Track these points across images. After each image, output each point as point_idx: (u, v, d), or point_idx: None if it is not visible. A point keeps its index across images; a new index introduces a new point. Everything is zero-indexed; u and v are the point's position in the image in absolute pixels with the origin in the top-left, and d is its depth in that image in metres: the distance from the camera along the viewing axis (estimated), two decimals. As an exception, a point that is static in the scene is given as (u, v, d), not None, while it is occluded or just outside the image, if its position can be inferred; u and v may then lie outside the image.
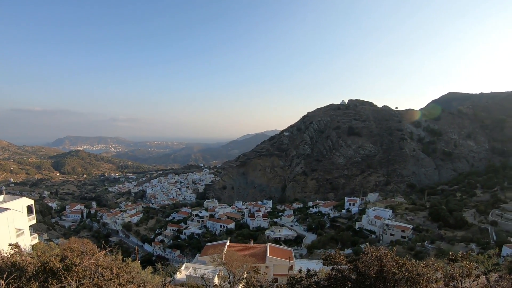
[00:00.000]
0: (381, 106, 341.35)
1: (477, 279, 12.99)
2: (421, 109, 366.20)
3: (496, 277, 11.31)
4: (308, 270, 18.67)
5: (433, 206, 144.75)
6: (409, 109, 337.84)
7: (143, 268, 33.10)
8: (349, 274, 16.04)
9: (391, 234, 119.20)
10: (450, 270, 13.72)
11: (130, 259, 27.42)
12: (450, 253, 16.13)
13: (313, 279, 17.59)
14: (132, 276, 17.92)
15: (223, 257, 35.13)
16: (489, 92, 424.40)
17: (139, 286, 15.65)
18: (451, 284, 12.12)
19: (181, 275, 39.80)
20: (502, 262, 62.04)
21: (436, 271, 14.65)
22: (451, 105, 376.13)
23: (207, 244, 60.19)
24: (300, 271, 22.02)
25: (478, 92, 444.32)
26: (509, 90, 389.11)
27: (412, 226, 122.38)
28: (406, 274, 14.27)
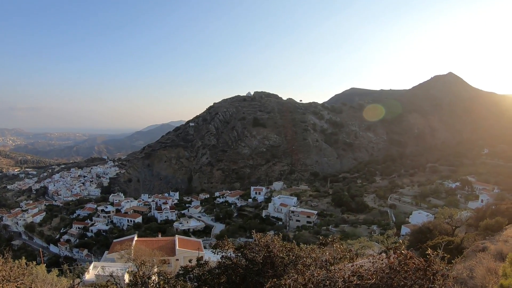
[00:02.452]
0: (286, 99, 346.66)
1: (352, 261, 12.86)
2: (324, 103, 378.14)
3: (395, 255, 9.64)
4: (198, 260, 18.42)
5: (336, 193, 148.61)
6: (313, 102, 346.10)
7: (48, 271, 28.61)
8: (239, 261, 16.24)
9: (297, 220, 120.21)
10: (324, 254, 13.81)
11: (34, 263, 23.84)
12: (321, 238, 17.70)
13: (205, 268, 17.21)
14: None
15: (132, 253, 34.02)
16: (388, 89, 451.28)
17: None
18: (325, 267, 11.62)
19: (90, 275, 35.71)
20: (401, 240, 63.67)
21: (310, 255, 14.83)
22: (353, 100, 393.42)
23: (114, 240, 55.86)
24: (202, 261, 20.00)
25: (378, 88, 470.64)
26: (407, 88, 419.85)
27: (316, 212, 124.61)
28: (294, 258, 14.79)
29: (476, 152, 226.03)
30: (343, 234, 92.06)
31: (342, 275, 9.45)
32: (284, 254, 15.41)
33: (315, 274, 10.07)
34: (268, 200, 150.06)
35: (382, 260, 10.16)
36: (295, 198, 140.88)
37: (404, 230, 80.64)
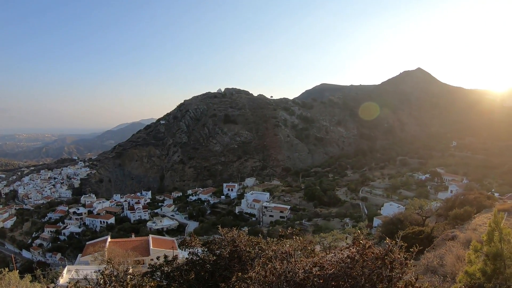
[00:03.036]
0: (256, 95, 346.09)
1: (312, 252, 13.46)
2: (295, 98, 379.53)
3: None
4: (166, 256, 17.91)
5: (308, 187, 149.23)
6: (284, 98, 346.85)
7: (22, 277, 27.55)
8: (207, 257, 16.45)
9: (271, 215, 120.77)
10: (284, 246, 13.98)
11: (7, 269, 23.16)
12: (280, 230, 18.21)
13: (174, 265, 17.04)
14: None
15: (105, 255, 33.36)
16: (358, 84, 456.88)
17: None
18: (286, 259, 11.68)
19: (64, 279, 34.63)
20: (374, 232, 64.06)
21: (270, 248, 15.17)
22: (323, 95, 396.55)
23: (87, 243, 54.78)
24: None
25: (348, 84, 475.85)
26: (376, 84, 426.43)
27: (289, 207, 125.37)
28: (260, 252, 14.93)
29: (445, 145, 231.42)
30: (316, 227, 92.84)
31: (303, 266, 9.55)
32: (250, 248, 15.47)
33: (277, 266, 10.08)
34: (240, 196, 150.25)
35: (343, 250, 10.33)
36: (268, 194, 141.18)
37: (376, 222, 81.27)
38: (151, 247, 48.24)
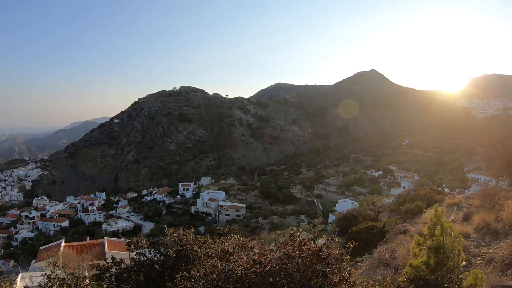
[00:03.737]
0: (212, 94, 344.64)
1: (252, 249, 13.63)
2: (250, 97, 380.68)
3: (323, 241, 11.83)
4: (113, 258, 17.71)
5: (263, 185, 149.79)
6: (239, 97, 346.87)
7: None
8: (155, 257, 16.40)
9: (227, 214, 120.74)
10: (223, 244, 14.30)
11: None
12: (218, 228, 18.85)
13: (122, 266, 16.90)
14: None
15: (60, 260, 30.36)
16: (313, 84, 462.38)
17: None
18: (226, 257, 11.97)
19: (18, 287, 33.31)
20: (329, 228, 65.00)
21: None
22: (278, 94, 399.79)
23: (41, 248, 52.85)
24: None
25: (303, 84, 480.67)
26: (331, 84, 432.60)
27: (245, 205, 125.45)
28: (207, 250, 15.10)
29: (397, 143, 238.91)
30: (272, 225, 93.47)
31: (242, 264, 9.70)
32: (197, 247, 15.52)
33: (217, 265, 10.25)
34: (196, 195, 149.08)
35: (280, 248, 10.55)
36: (223, 193, 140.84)
37: (331, 218, 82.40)
38: (106, 250, 47.30)
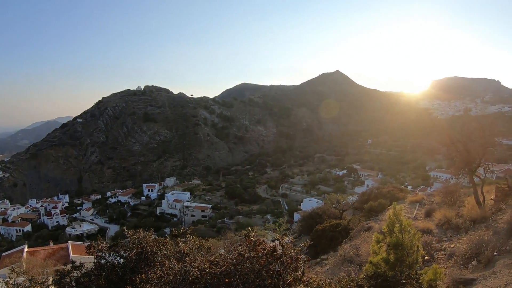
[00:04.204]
0: (177, 93, 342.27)
1: (209, 251, 13.89)
2: (215, 97, 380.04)
3: (287, 240, 11.07)
4: (73, 262, 16.92)
5: (228, 185, 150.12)
6: (204, 97, 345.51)
7: None
8: (115, 260, 15.85)
9: (192, 215, 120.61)
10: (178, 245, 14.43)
11: None
12: (173, 229, 17.74)
13: (82, 270, 16.09)
14: None
15: (23, 266, 30.10)
16: (278, 85, 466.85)
17: None
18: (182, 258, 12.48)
19: None
20: (294, 227, 65.40)
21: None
22: (243, 94, 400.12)
23: (3, 254, 51.18)
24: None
25: (268, 84, 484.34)
26: (295, 85, 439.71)
27: (211, 206, 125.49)
28: (167, 252, 14.64)
29: (361, 142, 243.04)
30: (238, 225, 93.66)
31: (198, 265, 9.80)
32: (157, 249, 15.02)
33: (174, 266, 10.29)
34: (161, 197, 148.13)
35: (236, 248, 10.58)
36: (189, 193, 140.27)
37: (296, 216, 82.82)
38: (71, 254, 46.20)
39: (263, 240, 10.08)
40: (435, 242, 19.99)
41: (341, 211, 45.17)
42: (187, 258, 11.40)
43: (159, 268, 10.68)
